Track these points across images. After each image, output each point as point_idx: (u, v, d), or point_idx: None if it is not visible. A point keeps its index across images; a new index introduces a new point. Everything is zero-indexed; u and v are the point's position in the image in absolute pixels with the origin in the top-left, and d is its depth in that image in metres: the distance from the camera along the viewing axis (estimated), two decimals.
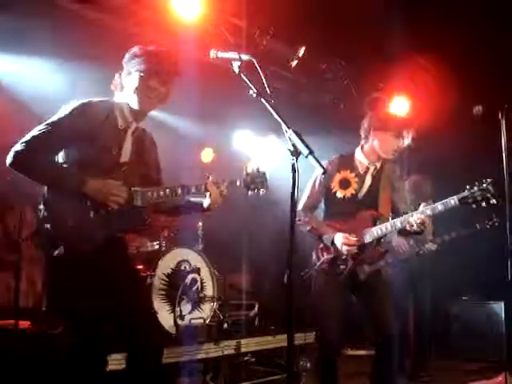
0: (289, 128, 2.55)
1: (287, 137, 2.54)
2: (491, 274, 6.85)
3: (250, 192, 3.26)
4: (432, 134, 6.70)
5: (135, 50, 3.15)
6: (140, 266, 5.34)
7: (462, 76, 5.73)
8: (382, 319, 3.84)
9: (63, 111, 2.99)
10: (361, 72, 7.04)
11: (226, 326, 5.57)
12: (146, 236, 5.80)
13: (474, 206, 3.60)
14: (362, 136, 4.09)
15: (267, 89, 2.72)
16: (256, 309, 6.60)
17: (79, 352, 2.90)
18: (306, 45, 6.28)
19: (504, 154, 3.97)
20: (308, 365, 5.80)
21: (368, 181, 4.04)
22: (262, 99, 2.69)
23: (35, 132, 2.93)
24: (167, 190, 3.11)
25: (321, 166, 2.43)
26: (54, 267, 2.97)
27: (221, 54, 2.95)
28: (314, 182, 4.09)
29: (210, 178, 3.19)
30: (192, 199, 3.28)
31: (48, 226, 2.89)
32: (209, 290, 5.56)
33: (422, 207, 3.79)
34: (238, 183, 3.26)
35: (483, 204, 3.58)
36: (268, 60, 6.16)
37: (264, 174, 3.27)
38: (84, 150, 2.97)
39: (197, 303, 5.39)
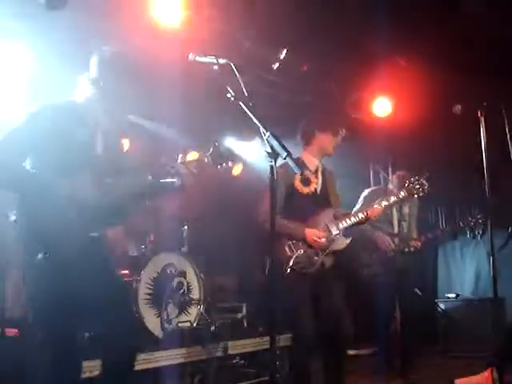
0: (266, 130, 2.57)
1: (265, 139, 2.56)
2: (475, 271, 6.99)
3: (219, 167, 3.30)
4: (414, 132, 6.77)
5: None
6: (125, 271, 5.34)
7: (441, 75, 5.77)
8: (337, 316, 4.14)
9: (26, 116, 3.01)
10: (343, 73, 7.06)
11: (213, 328, 5.57)
12: (131, 240, 5.80)
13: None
14: (303, 138, 4.45)
15: (245, 92, 2.74)
16: (244, 311, 6.61)
17: (54, 359, 2.89)
18: (288, 46, 6.28)
19: (484, 152, 4.01)
20: None
21: (320, 178, 4.40)
22: (240, 102, 2.70)
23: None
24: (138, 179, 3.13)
25: (298, 167, 2.46)
26: (32, 272, 2.96)
27: (199, 58, 2.97)
28: (279, 184, 4.20)
29: (179, 160, 3.23)
30: (162, 180, 3.29)
31: (24, 230, 2.89)
32: (195, 293, 5.57)
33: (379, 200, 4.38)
34: (206, 160, 3.28)
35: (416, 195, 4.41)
36: (251, 63, 6.17)
37: (229, 148, 3.33)
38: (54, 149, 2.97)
39: (183, 307, 5.40)
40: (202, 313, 5.52)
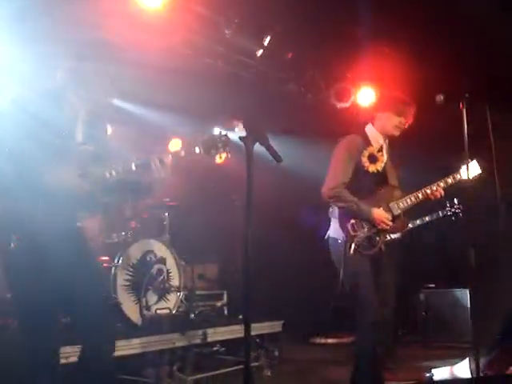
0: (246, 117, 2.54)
1: (243, 125, 2.53)
2: (456, 261, 6.99)
3: (210, 156, 3.18)
4: None
5: None
6: (105, 257, 5.30)
7: (424, 64, 5.77)
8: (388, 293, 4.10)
9: None
10: (327, 62, 7.04)
11: (192, 316, 5.56)
12: (111, 227, 5.76)
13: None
14: (370, 115, 4.37)
15: None
16: (225, 298, 6.60)
17: (30, 346, 2.86)
18: (272, 34, 6.24)
19: (466, 143, 4.00)
20: (276, 353, 5.83)
21: (385, 157, 4.28)
22: None
23: None
24: (113, 172, 3.06)
25: (275, 155, 2.43)
26: (8, 261, 2.92)
27: None
28: (346, 157, 4.16)
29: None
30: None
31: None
32: (175, 281, 5.55)
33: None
34: (197, 150, 3.16)
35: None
36: (233, 49, 6.14)
37: (226, 135, 3.18)
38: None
39: (163, 294, 5.38)
40: (181, 300, 5.49)
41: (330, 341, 7.76)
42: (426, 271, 7.73)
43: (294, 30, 6.37)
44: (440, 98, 4.20)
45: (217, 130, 8.03)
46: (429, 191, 4.25)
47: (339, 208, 4.12)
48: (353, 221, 4.10)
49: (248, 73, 6.68)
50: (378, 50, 6.38)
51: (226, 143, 3.17)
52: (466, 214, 5.31)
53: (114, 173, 3.05)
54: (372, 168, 4.18)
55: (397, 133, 4.28)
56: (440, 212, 5.84)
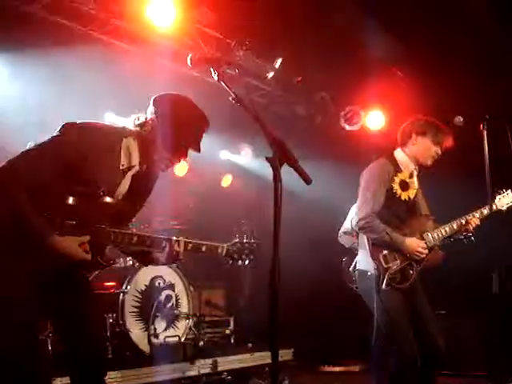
0: (270, 134, 2.41)
1: (269, 144, 2.40)
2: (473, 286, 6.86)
3: (230, 261, 3.10)
4: None
5: None
6: (112, 283, 5.15)
7: (439, 87, 5.68)
8: (431, 330, 3.88)
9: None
10: (337, 85, 6.98)
11: (202, 343, 5.41)
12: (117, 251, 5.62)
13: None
14: (401, 141, 4.11)
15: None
16: (232, 325, 6.44)
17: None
18: (282, 57, 6.19)
19: (486, 166, 3.89)
20: (286, 382, 5.66)
21: (416, 184, 4.06)
22: (242, 105, 2.56)
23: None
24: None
25: (305, 176, 2.30)
26: None
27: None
28: (377, 183, 3.94)
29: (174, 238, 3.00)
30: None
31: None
32: (184, 307, 5.40)
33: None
34: (219, 250, 3.07)
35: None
36: (244, 71, 6.07)
37: (254, 245, 3.11)
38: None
39: (171, 320, 5.22)
40: (190, 327, 5.34)
41: (338, 369, 7.58)
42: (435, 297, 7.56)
43: (303, 52, 6.33)
44: (459, 119, 4.09)
45: (224, 154, 8.09)
46: (463, 221, 4.02)
47: (371, 239, 3.89)
48: (385, 252, 3.86)
49: (257, 95, 6.61)
50: (389, 73, 6.31)
51: (252, 252, 3.11)
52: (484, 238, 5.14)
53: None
54: (404, 195, 3.96)
55: (430, 163, 4.06)
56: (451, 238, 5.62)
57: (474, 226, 4.02)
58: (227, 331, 6.18)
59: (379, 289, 3.79)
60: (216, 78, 2.72)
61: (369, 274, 3.87)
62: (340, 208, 6.10)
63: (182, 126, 2.92)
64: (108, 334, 4.59)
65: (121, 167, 2.89)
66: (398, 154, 4.11)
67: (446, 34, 5.51)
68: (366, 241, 3.94)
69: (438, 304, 7.36)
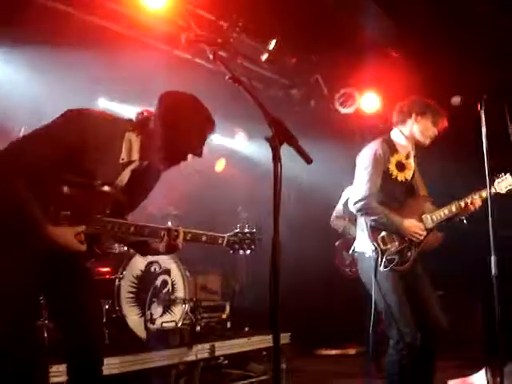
0: (270, 115, 2.36)
1: (268, 124, 2.35)
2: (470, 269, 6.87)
3: (230, 251, 3.08)
4: None
5: None
6: (107, 269, 5.10)
7: (435, 68, 5.63)
8: (433, 311, 3.90)
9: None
10: (331, 67, 6.92)
11: (198, 328, 5.38)
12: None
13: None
14: (398, 121, 4.08)
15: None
16: (227, 310, 6.42)
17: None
18: (276, 39, 6.11)
19: (484, 147, 3.84)
20: (284, 365, 5.65)
21: (413, 165, 4.05)
22: (240, 85, 2.50)
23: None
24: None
25: (305, 156, 2.25)
26: None
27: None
28: (373, 165, 3.89)
29: (169, 223, 3.00)
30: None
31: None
32: (180, 292, 5.36)
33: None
34: (219, 241, 3.04)
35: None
36: (237, 54, 6.00)
37: (255, 233, 3.08)
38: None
39: (168, 306, 5.19)
40: (187, 312, 5.30)
41: (334, 352, 7.61)
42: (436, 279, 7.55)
43: (297, 34, 6.25)
44: (456, 99, 4.05)
45: (216, 138, 8.02)
46: (462, 204, 3.96)
47: (368, 221, 3.87)
48: (383, 233, 3.85)
49: (251, 78, 6.53)
50: (384, 54, 6.25)
51: (254, 240, 3.08)
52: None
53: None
54: (400, 176, 3.94)
55: (428, 143, 4.05)
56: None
57: (476, 207, 3.95)
58: (223, 316, 6.14)
59: (377, 270, 3.78)
60: (211, 57, 2.66)
61: (366, 255, 3.86)
62: (334, 191, 6.09)
63: (185, 131, 2.85)
64: (104, 320, 4.54)
65: (120, 160, 2.84)
66: (395, 134, 4.08)
67: (441, 13, 5.45)
68: (363, 223, 3.92)
69: (436, 286, 7.41)
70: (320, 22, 5.97)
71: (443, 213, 3.96)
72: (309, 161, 2.22)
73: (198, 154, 2.92)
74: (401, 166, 3.95)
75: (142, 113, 2.92)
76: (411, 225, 3.86)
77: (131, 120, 2.92)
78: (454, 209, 3.97)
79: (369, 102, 7.36)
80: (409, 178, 3.99)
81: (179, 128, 2.82)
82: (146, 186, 3.09)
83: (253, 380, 5.48)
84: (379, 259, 3.81)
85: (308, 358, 7.27)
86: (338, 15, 5.93)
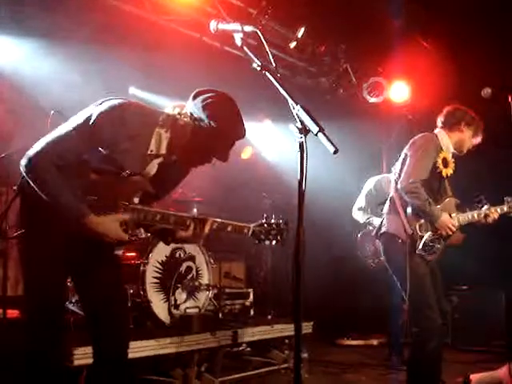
0: (296, 103, 2.34)
1: (294, 113, 2.34)
2: (492, 262, 6.78)
3: (256, 242, 3.05)
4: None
5: None
6: (133, 254, 5.15)
7: (466, 59, 5.54)
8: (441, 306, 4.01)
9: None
10: (360, 56, 6.85)
11: (221, 315, 5.41)
12: None
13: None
14: (446, 123, 4.19)
15: (272, 62, 2.52)
16: (251, 297, 6.44)
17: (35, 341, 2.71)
18: (305, 26, 6.06)
19: None
20: (305, 355, 5.66)
21: (453, 166, 4.16)
22: (267, 72, 2.48)
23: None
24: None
25: (332, 144, 2.23)
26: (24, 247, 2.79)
27: (222, 26, 2.73)
28: (426, 154, 4.02)
29: (195, 211, 2.98)
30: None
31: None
32: (204, 279, 5.39)
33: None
34: (245, 231, 3.02)
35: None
36: (266, 41, 5.95)
37: (281, 224, 3.06)
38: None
39: (192, 292, 5.22)
40: (210, 299, 5.33)
41: (356, 342, 7.59)
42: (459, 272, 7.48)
43: (326, 22, 6.19)
44: (487, 91, 4.03)
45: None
46: (482, 214, 4.16)
47: (411, 205, 3.95)
48: (422, 221, 3.98)
49: (279, 66, 6.49)
50: (414, 43, 6.16)
51: (281, 233, 3.06)
52: None
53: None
54: (445, 172, 4.08)
55: (463, 152, 4.23)
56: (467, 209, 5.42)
57: (491, 220, 4.17)
58: (247, 303, 6.16)
59: (412, 253, 3.90)
60: (240, 44, 2.64)
61: (399, 240, 3.97)
62: (360, 180, 6.06)
63: (214, 138, 2.78)
64: (129, 304, 4.58)
65: (149, 152, 2.83)
66: (441, 134, 4.19)
67: (474, 3, 5.35)
68: (400, 206, 4.02)
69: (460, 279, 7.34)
70: (349, 10, 5.90)
71: (468, 217, 4.14)
72: (335, 150, 2.20)
73: (224, 159, 2.87)
74: (446, 163, 4.08)
75: (175, 108, 2.87)
76: (447, 219, 3.99)
77: (164, 113, 2.88)
78: (476, 216, 4.16)
79: (397, 91, 7.28)
80: (449, 175, 4.12)
81: (210, 134, 2.76)
82: (173, 178, 3.09)
83: (274, 368, 5.49)
84: (417, 243, 3.93)
85: (330, 347, 7.26)
86: (368, 3, 5.84)
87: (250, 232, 3.04)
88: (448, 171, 4.10)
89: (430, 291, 3.90)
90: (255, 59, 2.52)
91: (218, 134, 2.77)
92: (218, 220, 2.98)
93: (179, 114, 2.84)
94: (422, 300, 3.88)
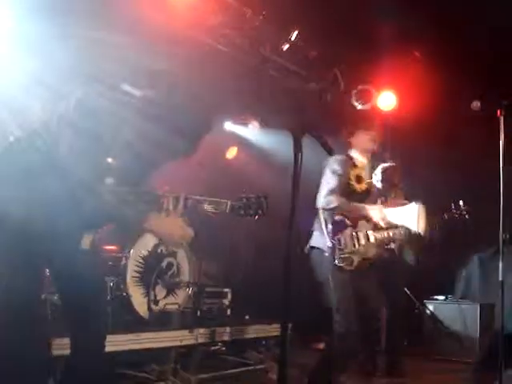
0: (293, 105, 2.36)
1: (290, 114, 2.36)
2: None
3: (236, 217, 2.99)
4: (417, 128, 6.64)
5: None
6: (112, 247, 5.12)
7: (456, 71, 5.60)
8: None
9: None
10: (350, 63, 6.88)
11: (199, 313, 5.41)
12: None
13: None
14: (348, 134, 4.39)
15: None
16: (229, 297, 6.45)
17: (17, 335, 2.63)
18: (298, 30, 6.08)
19: (501, 153, 3.85)
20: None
21: (367, 176, 4.36)
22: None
23: None
24: None
25: (327, 147, 2.26)
26: None
27: None
28: (339, 172, 4.15)
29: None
30: None
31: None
32: (185, 276, 5.39)
33: None
34: (223, 207, 2.90)
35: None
36: (259, 42, 5.97)
37: (262, 199, 2.99)
38: None
39: (172, 288, 5.21)
40: (190, 296, 5.33)
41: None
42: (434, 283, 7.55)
43: (318, 28, 6.21)
44: (476, 104, 4.07)
45: (228, 125, 7.99)
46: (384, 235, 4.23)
47: (333, 215, 4.11)
48: (339, 235, 4.07)
49: (270, 68, 6.50)
50: (405, 53, 6.22)
51: (261, 207, 2.98)
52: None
53: None
54: (359, 188, 4.24)
55: (374, 147, 4.34)
56: (445, 214, 5.38)
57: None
58: (225, 302, 6.17)
59: (333, 267, 4.04)
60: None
61: (325, 254, 4.08)
62: None
63: None
64: (108, 297, 4.57)
65: None
66: (351, 151, 4.36)
67: (464, 15, 5.41)
68: (322, 221, 4.14)
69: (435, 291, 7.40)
70: (342, 17, 5.94)
71: (384, 232, 4.22)
72: (331, 152, 2.23)
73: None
74: (358, 179, 4.27)
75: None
76: (378, 212, 4.15)
77: None
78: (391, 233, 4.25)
79: (385, 100, 7.35)
80: (364, 189, 4.30)
81: None
82: None
83: (250, 368, 5.50)
84: (335, 256, 4.05)
85: (304, 350, 7.26)
86: (362, 11, 5.88)
87: (229, 207, 2.93)
88: (362, 186, 4.27)
89: (349, 300, 4.02)
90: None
91: None
92: (193, 196, 2.87)
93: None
94: (340, 307, 4.04)
